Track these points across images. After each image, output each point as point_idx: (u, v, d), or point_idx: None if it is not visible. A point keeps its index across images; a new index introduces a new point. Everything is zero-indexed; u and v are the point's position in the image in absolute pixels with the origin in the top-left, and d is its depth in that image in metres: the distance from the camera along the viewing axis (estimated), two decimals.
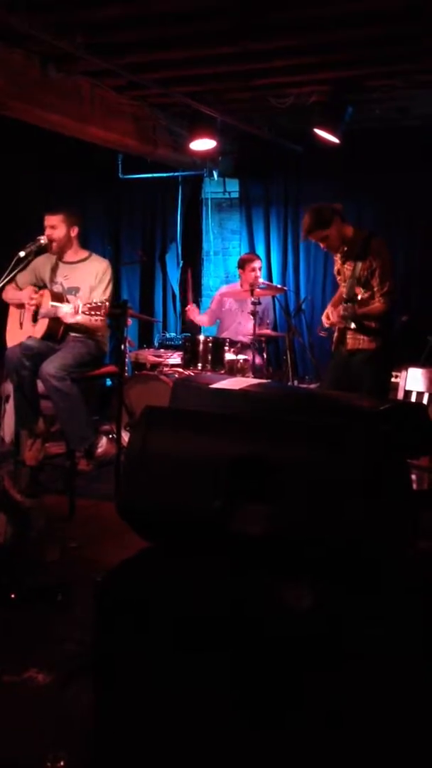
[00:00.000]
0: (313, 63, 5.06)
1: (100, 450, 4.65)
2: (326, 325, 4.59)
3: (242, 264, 6.43)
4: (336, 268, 4.63)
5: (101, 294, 4.70)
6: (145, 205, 7.93)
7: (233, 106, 6.15)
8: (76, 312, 4.46)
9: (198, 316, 6.73)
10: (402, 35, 4.58)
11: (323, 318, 4.59)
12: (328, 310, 4.60)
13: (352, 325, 4.32)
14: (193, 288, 6.96)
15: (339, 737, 1.66)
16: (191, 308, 6.66)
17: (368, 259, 4.31)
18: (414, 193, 6.64)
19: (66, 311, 4.49)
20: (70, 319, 4.52)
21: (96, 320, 4.44)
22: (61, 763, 2.06)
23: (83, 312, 4.41)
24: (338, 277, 4.62)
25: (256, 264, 6.36)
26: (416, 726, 1.66)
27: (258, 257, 6.58)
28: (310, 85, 5.56)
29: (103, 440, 4.70)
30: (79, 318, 4.48)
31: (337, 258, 4.56)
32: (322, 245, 4.47)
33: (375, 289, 4.33)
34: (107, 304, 4.42)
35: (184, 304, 7.43)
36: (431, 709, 1.70)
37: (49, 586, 3.09)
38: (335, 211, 4.33)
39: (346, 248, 4.41)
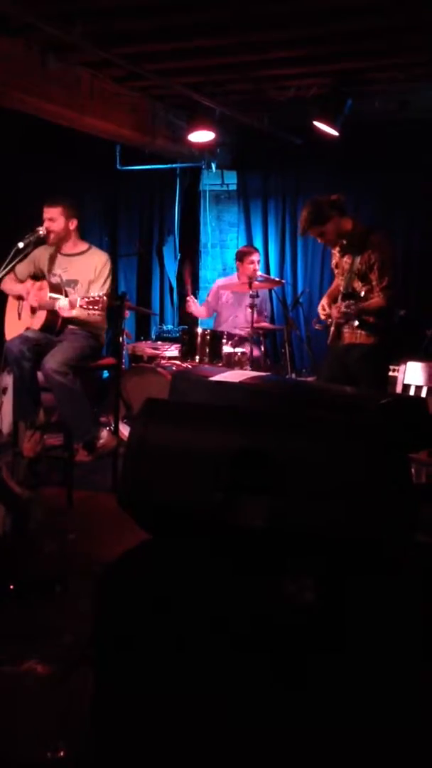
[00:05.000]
0: (313, 55, 5.05)
1: (101, 442, 4.64)
2: (323, 317, 4.58)
3: (240, 257, 6.42)
4: (334, 262, 4.62)
5: (99, 288, 4.67)
6: (143, 196, 7.90)
7: (232, 97, 6.13)
8: (73, 306, 4.45)
9: (195, 308, 6.72)
10: (402, 27, 4.57)
11: (319, 309, 4.58)
12: (324, 301, 4.58)
13: (356, 323, 4.29)
14: (191, 281, 6.96)
15: (342, 731, 1.67)
16: (191, 300, 6.66)
17: (367, 252, 4.29)
18: (412, 186, 6.64)
19: (62, 305, 4.47)
20: (65, 313, 4.50)
21: (94, 314, 4.43)
22: (61, 754, 2.06)
23: (80, 306, 4.39)
24: (336, 270, 4.60)
25: (255, 257, 6.35)
26: (417, 719, 1.66)
27: (256, 250, 6.57)
28: (310, 77, 5.55)
29: (104, 432, 4.69)
30: (75, 312, 4.46)
31: (336, 251, 4.54)
32: (319, 240, 4.47)
33: (374, 283, 4.31)
34: (105, 298, 4.40)
35: (182, 296, 7.43)
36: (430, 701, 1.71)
37: (48, 578, 3.09)
38: (334, 204, 4.29)
39: (344, 241, 4.40)
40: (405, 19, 4.42)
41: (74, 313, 4.46)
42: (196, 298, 7.05)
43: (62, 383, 4.41)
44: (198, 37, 4.76)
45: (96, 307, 4.35)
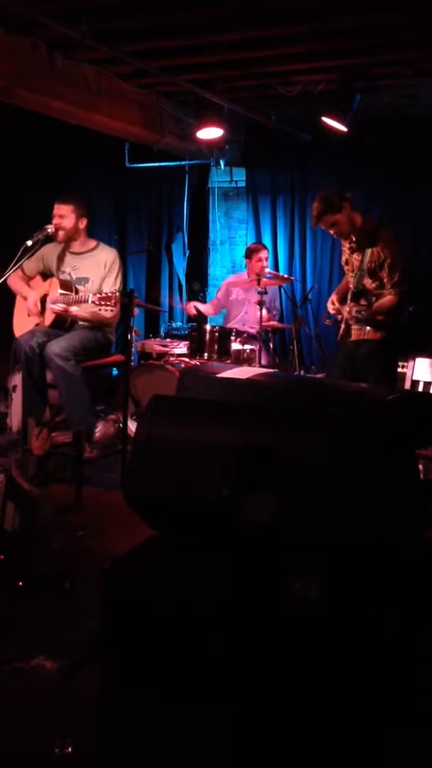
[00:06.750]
0: (321, 50, 5.03)
1: (98, 434, 4.65)
2: (332, 312, 4.58)
3: (249, 254, 6.43)
4: (344, 258, 4.62)
5: (112, 284, 4.69)
6: (152, 194, 7.91)
7: (240, 94, 6.12)
8: (72, 304, 4.51)
9: (201, 306, 6.73)
10: (410, 22, 4.55)
11: (328, 305, 4.57)
12: (333, 297, 4.58)
13: (367, 328, 4.31)
14: (188, 288, 6.98)
15: (346, 734, 1.67)
16: (189, 306, 6.69)
17: (377, 249, 4.30)
18: (421, 182, 6.60)
19: (75, 308, 4.55)
20: (72, 312, 4.55)
21: (107, 311, 4.44)
22: (69, 750, 2.07)
23: (93, 302, 4.41)
24: (346, 267, 4.60)
25: (263, 254, 6.35)
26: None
27: (265, 247, 6.57)
28: (318, 73, 5.53)
29: (101, 423, 4.70)
30: (75, 310, 4.51)
31: (345, 248, 4.54)
32: (332, 231, 4.45)
33: (385, 280, 4.31)
34: (118, 294, 4.43)
35: (191, 295, 7.46)
36: None
37: (57, 574, 3.10)
38: (345, 197, 4.33)
39: (354, 238, 4.39)
40: (413, 13, 4.39)
41: (73, 310, 4.50)
42: (204, 297, 7.06)
43: (63, 368, 4.44)
44: (204, 34, 4.76)
45: (109, 303, 4.37)
